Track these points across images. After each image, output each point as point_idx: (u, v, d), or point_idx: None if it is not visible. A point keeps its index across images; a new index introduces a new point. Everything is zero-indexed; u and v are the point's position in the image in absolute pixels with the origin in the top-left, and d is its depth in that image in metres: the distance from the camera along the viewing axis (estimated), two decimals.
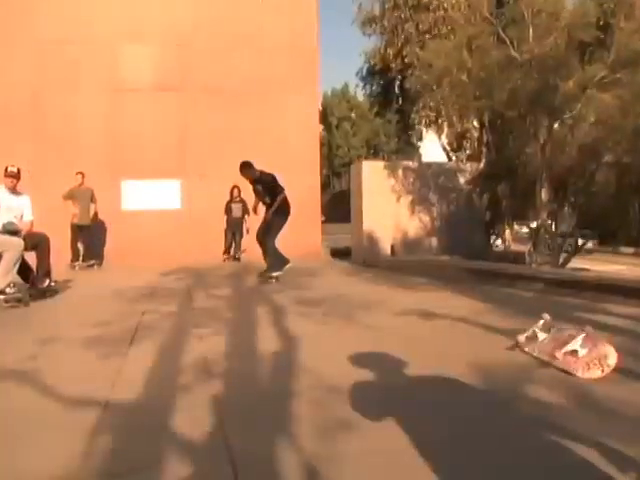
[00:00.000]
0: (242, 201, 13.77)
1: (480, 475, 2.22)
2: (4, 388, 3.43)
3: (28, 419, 2.88)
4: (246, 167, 9.33)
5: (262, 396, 3.22)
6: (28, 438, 2.62)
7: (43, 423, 2.82)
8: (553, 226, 12.28)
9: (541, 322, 4.08)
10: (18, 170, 7.52)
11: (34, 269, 7.58)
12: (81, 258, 12.78)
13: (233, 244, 14.03)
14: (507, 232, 13.61)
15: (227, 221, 13.95)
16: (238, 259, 13.77)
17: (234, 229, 13.91)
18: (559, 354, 3.58)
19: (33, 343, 4.60)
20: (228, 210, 13.92)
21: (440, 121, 18.97)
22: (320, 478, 2.21)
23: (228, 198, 13.90)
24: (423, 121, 19.95)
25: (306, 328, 5.07)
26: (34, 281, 7.46)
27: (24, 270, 7.31)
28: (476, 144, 18.55)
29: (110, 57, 14.42)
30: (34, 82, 14.03)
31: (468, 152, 20.22)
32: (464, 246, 12.41)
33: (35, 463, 2.35)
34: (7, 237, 7.00)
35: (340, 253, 14.57)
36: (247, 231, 13.59)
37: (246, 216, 13.70)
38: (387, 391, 3.22)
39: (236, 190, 13.71)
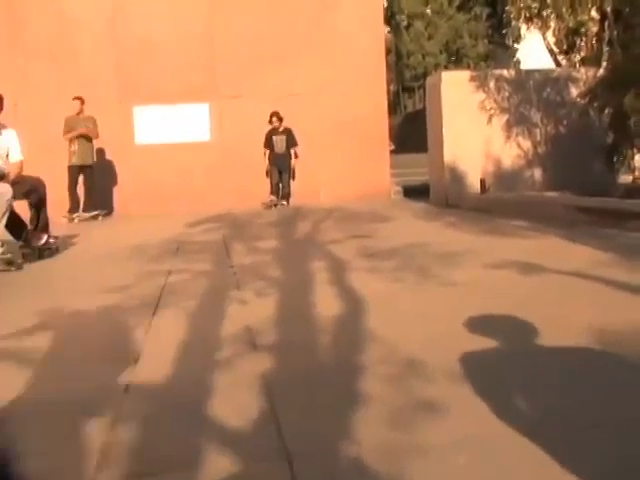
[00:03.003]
0: (286, 131, 14.00)
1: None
2: None
3: (34, 408, 2.97)
4: None
5: (321, 373, 3.25)
6: (35, 432, 2.71)
7: (51, 412, 2.91)
8: None
9: None
10: (0, 97, 7.57)
11: (27, 223, 7.71)
12: (81, 208, 12.91)
13: (280, 185, 14.15)
14: (637, 158, 13.20)
15: (269, 157, 14.10)
16: (286, 203, 13.91)
17: (279, 166, 14.03)
18: None
19: (31, 316, 4.69)
20: (269, 143, 14.06)
21: (545, 13, 18.34)
22: (397, 477, 2.23)
23: (268, 127, 13.99)
24: (522, 14, 19.31)
25: (374, 287, 5.08)
26: (28, 238, 7.58)
27: (15, 224, 7.39)
28: (594, 42, 17.93)
29: None
30: None
31: (583, 54, 19.58)
32: (578, 178, 12.11)
33: (49, 463, 2.43)
34: None
35: (415, 191, 14.45)
36: (293, 172, 14.13)
37: (293, 150, 14.05)
38: (478, 364, 3.20)
39: (275, 118, 13.87)
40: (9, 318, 4.73)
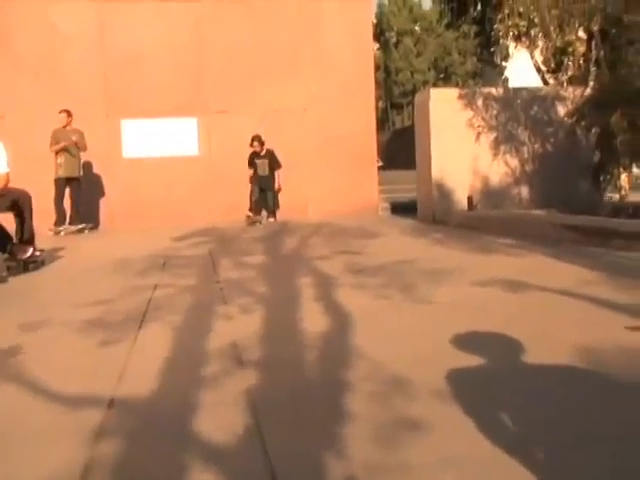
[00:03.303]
0: (269, 154, 13.80)
1: None
2: None
3: (16, 423, 2.95)
4: None
5: (306, 390, 3.24)
6: (17, 446, 2.69)
7: (34, 427, 2.89)
8: None
9: None
10: None
11: (12, 235, 7.68)
12: (67, 220, 12.84)
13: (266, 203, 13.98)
14: (623, 177, 13.26)
15: (253, 177, 13.95)
16: (273, 219, 13.80)
17: (262, 187, 13.88)
18: None
19: (15, 329, 4.69)
20: (252, 165, 13.92)
21: (533, 32, 18.47)
22: None
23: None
24: (510, 33, 19.44)
25: (360, 303, 5.08)
26: (13, 251, 7.55)
27: (0, 237, 7.40)
28: (581, 61, 18.03)
29: None
30: None
31: (570, 73, 19.69)
32: (565, 197, 12.16)
33: (27, 476, 2.42)
34: None
35: (402, 208, 14.49)
36: (279, 189, 13.98)
37: (276, 172, 13.88)
38: (464, 382, 3.21)
39: (257, 142, 13.67)
40: None
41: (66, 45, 14.01)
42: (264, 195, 13.90)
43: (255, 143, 13.62)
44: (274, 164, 13.80)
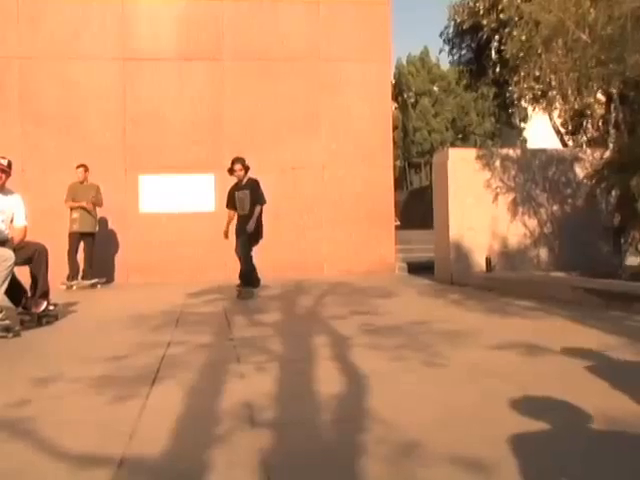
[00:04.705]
0: (250, 184, 10.63)
1: None
2: None
3: None
4: None
5: (320, 453, 3.20)
6: None
7: None
8: None
9: None
10: (9, 163, 7.61)
11: (27, 289, 7.71)
12: (80, 275, 12.84)
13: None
14: None
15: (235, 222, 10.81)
16: (240, 287, 10.50)
17: (238, 229, 10.64)
18: None
19: (26, 384, 4.68)
20: (232, 201, 10.88)
21: (551, 95, 18.62)
22: None
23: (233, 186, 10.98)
24: (526, 96, 19.59)
25: (376, 365, 5.05)
26: (27, 304, 7.58)
27: (14, 290, 7.39)
28: (600, 124, 18.11)
29: (120, 14, 14.62)
30: (23, 49, 14.18)
31: (589, 135, 19.77)
32: (584, 259, 12.14)
33: None
34: None
35: (420, 268, 14.49)
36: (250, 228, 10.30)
37: (257, 209, 10.41)
38: (482, 448, 3.16)
39: (239, 166, 10.58)
40: (4, 386, 4.69)
41: (87, 101, 14.28)
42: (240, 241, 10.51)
43: (237, 166, 10.52)
44: (256, 197, 10.40)
